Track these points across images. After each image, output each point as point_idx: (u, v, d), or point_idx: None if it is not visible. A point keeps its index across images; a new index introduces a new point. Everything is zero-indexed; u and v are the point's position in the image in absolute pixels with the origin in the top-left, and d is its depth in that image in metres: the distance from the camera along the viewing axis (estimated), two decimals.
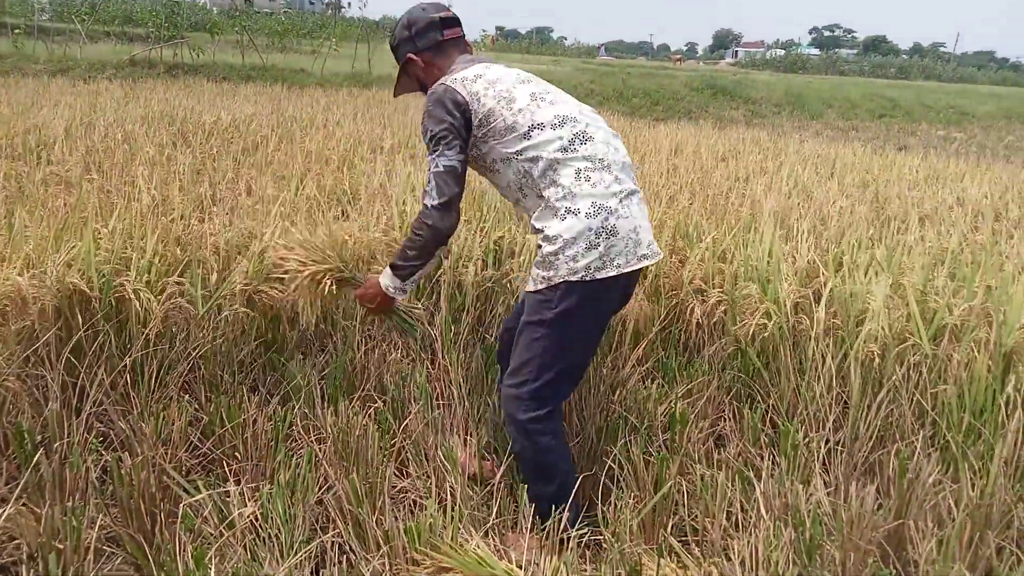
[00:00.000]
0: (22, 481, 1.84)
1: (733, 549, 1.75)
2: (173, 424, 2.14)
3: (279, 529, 1.80)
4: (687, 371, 2.59)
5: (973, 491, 1.81)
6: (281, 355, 2.70)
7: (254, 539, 1.81)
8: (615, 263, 1.80)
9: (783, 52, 56.54)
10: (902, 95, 19.91)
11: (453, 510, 1.86)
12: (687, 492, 2.06)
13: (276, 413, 2.31)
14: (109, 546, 1.85)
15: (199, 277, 2.49)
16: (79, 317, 2.30)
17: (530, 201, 1.90)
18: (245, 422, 2.19)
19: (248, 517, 1.84)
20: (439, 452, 2.18)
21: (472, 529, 1.87)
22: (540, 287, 1.84)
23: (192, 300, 2.47)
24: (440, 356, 2.54)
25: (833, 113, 16.68)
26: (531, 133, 1.85)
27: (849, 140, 10.67)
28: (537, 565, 1.73)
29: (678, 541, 1.86)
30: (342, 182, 3.92)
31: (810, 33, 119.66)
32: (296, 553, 1.76)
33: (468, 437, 2.25)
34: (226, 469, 2.15)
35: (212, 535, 1.82)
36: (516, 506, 2.00)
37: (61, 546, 1.65)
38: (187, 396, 2.38)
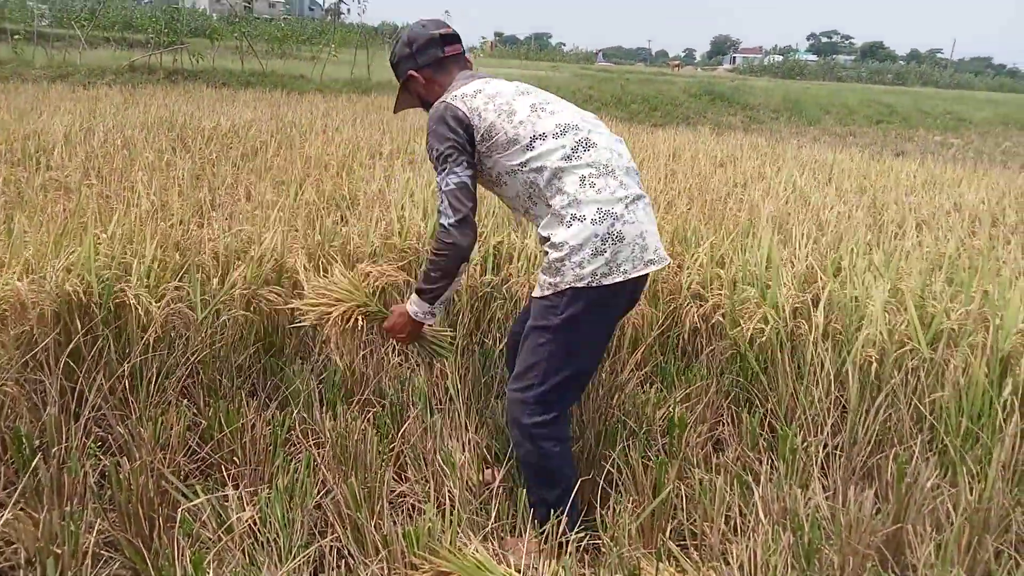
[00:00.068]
0: (20, 486, 1.84)
1: (732, 553, 1.76)
2: (171, 429, 2.14)
3: (277, 533, 1.80)
4: (686, 376, 2.60)
5: (971, 495, 1.81)
6: (280, 360, 2.70)
7: (252, 543, 1.80)
8: (621, 269, 1.80)
9: (781, 58, 56.73)
10: (899, 101, 19.97)
11: (452, 514, 1.86)
12: (686, 496, 2.06)
13: (275, 418, 2.31)
14: (107, 551, 1.85)
15: (198, 282, 2.50)
16: (78, 322, 2.30)
17: (539, 210, 1.90)
18: (244, 427, 2.19)
19: (246, 521, 1.84)
20: (438, 456, 2.18)
21: (471, 533, 1.87)
22: (547, 293, 1.85)
23: (192, 305, 2.47)
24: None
25: (831, 119, 16.73)
26: (534, 144, 1.86)
27: (847, 146, 10.70)
28: (536, 569, 1.73)
29: (677, 545, 1.86)
30: (341, 187, 3.93)
31: (808, 39, 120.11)
32: (295, 557, 1.75)
33: (471, 444, 2.25)
34: (224, 473, 2.15)
35: (210, 540, 1.81)
36: (515, 510, 2.00)
37: (59, 551, 1.65)
38: (185, 401, 2.38)
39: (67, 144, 4.73)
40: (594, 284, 1.79)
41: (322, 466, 2.12)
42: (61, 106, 7.05)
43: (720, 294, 2.80)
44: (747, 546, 1.73)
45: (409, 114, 8.40)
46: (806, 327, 2.54)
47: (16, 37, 14.11)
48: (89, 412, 2.18)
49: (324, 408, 2.39)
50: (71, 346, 2.26)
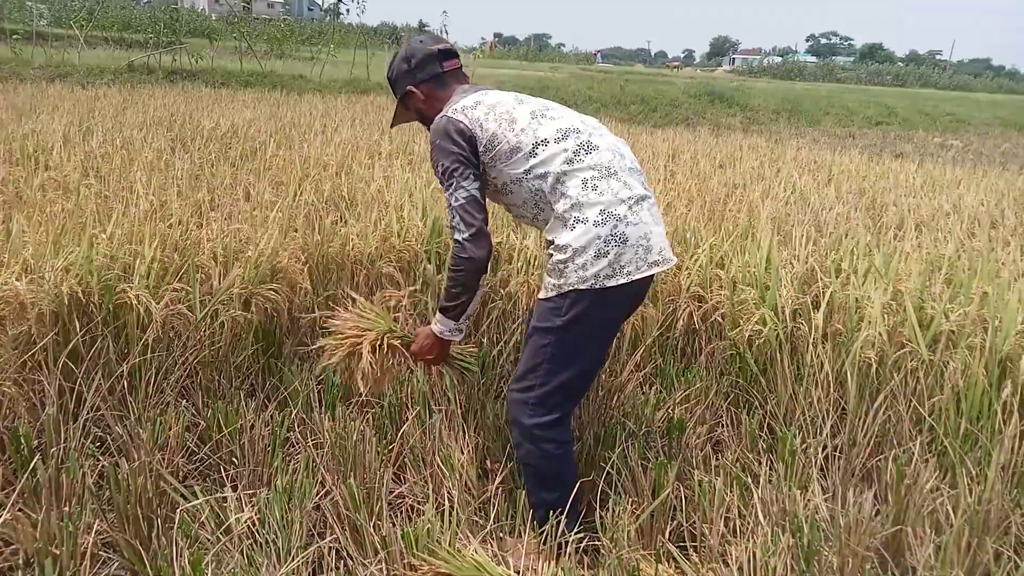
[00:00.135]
0: (18, 486, 1.83)
1: (731, 555, 1.76)
2: (170, 429, 2.14)
3: (276, 534, 1.80)
4: (685, 377, 2.60)
5: (971, 497, 1.81)
6: (278, 360, 2.70)
7: (251, 544, 1.80)
8: (625, 271, 1.80)
9: (780, 59, 56.73)
10: (899, 102, 19.98)
11: (451, 515, 1.86)
12: (685, 498, 2.07)
13: (273, 418, 2.31)
14: (106, 551, 1.85)
15: (198, 282, 2.49)
16: (76, 322, 2.30)
17: (545, 215, 1.91)
18: (242, 427, 2.19)
19: (245, 522, 1.83)
20: (437, 457, 2.18)
21: (470, 534, 1.87)
22: (550, 294, 1.86)
23: (191, 306, 2.47)
24: None
25: (830, 120, 16.73)
26: (536, 150, 1.86)
27: (846, 147, 10.70)
28: (535, 571, 1.73)
29: (676, 547, 1.87)
30: (340, 188, 3.93)
31: (807, 41, 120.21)
32: (293, 558, 1.75)
33: (470, 445, 2.24)
34: (223, 474, 2.15)
35: (209, 540, 1.81)
36: (514, 511, 2.00)
37: (58, 551, 1.65)
38: (184, 401, 2.38)
39: (66, 144, 4.72)
40: (597, 286, 1.79)
41: (321, 467, 2.12)
42: (60, 106, 7.03)
43: (720, 295, 2.80)
44: (746, 547, 1.73)
45: None
46: (805, 328, 2.54)
47: (15, 37, 14.08)
48: (87, 412, 2.18)
49: (323, 409, 2.39)
50: (70, 346, 2.26)
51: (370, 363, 2.09)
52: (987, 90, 38.90)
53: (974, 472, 2.00)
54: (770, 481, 2.00)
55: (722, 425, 2.50)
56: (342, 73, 15.67)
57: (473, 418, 2.37)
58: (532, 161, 1.86)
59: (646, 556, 1.82)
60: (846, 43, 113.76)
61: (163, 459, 2.07)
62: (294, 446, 2.31)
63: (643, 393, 2.54)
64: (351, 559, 1.85)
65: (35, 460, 1.86)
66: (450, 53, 2.07)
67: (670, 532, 1.98)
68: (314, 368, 2.65)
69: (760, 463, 2.17)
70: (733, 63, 71.88)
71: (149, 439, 2.04)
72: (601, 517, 1.94)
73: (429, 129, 2.05)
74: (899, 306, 2.56)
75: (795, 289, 2.71)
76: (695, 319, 2.85)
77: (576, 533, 1.83)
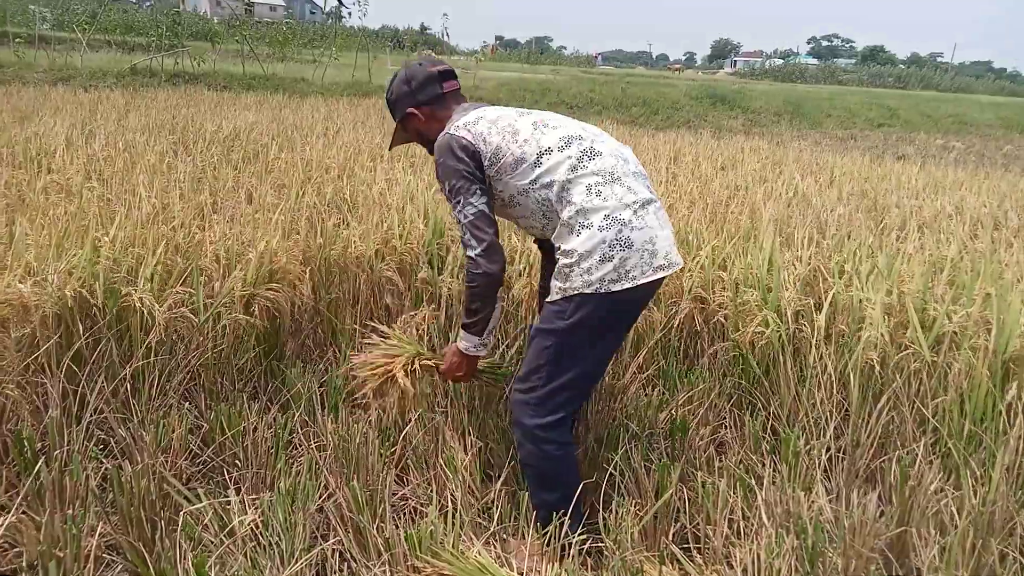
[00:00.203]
0: (22, 489, 1.84)
1: (735, 557, 1.75)
2: (173, 432, 2.14)
3: (280, 537, 1.80)
4: (688, 378, 2.59)
5: (975, 498, 1.80)
6: (281, 363, 2.70)
7: (255, 547, 1.80)
8: (630, 275, 1.80)
9: (781, 62, 56.75)
10: (901, 104, 19.98)
11: (454, 517, 1.86)
12: (688, 499, 2.06)
13: (276, 421, 2.31)
14: (109, 554, 1.84)
15: (201, 285, 2.50)
16: (80, 325, 2.30)
17: (554, 224, 1.92)
18: (245, 430, 2.19)
19: (249, 525, 1.83)
20: (440, 459, 2.18)
21: (473, 536, 1.87)
22: (556, 298, 1.87)
23: (194, 308, 2.47)
24: None
25: (832, 122, 16.73)
26: (540, 160, 1.87)
27: (848, 149, 10.70)
28: (538, 573, 1.73)
29: (680, 548, 1.86)
30: (342, 190, 3.93)
31: (808, 43, 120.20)
32: (297, 561, 1.75)
33: (473, 446, 2.24)
34: (226, 477, 2.15)
35: (213, 543, 1.81)
36: (517, 513, 2.00)
37: (61, 554, 1.65)
38: (187, 404, 2.38)
39: (68, 147, 4.73)
40: (602, 290, 1.80)
41: (324, 469, 2.12)
42: (62, 109, 7.05)
43: (723, 296, 2.80)
44: (750, 549, 1.73)
45: None
46: (808, 330, 2.54)
47: (18, 40, 14.13)
48: (91, 415, 2.18)
49: (326, 411, 2.39)
50: (73, 349, 2.26)
51: (405, 386, 2.11)
52: (989, 92, 38.85)
53: (978, 473, 1.99)
54: (774, 482, 1.99)
55: (725, 426, 2.50)
56: (344, 76, 15.70)
57: (476, 420, 2.37)
58: (537, 171, 1.87)
59: (650, 558, 1.81)
60: (847, 45, 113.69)
61: (166, 462, 2.07)
62: (297, 448, 2.31)
63: (646, 394, 2.54)
64: (354, 561, 1.85)
65: (39, 463, 1.87)
66: (449, 74, 2.10)
67: (674, 534, 1.98)
68: (317, 370, 2.65)
69: (764, 464, 2.17)
70: (734, 65, 71.94)
71: (152, 442, 2.04)
72: (604, 519, 1.94)
73: (429, 150, 2.09)
74: (901, 307, 2.56)
75: (797, 291, 2.70)
76: (697, 321, 2.84)
77: (579, 535, 1.83)
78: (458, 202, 1.89)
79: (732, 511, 1.95)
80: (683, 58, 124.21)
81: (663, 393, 2.58)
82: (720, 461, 2.24)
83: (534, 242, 2.26)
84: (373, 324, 2.39)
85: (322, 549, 1.87)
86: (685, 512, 2.04)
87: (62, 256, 2.45)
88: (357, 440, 2.12)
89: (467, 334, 2.00)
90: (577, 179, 1.85)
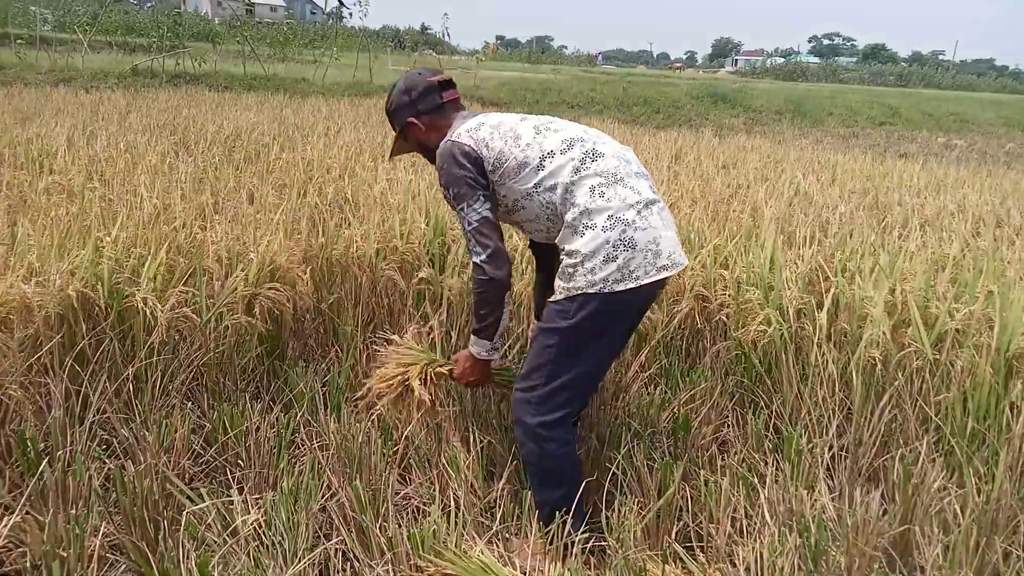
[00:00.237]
0: (26, 490, 1.84)
1: (738, 555, 1.75)
2: (176, 432, 2.14)
3: (283, 536, 1.80)
4: (690, 377, 2.59)
5: (979, 496, 1.80)
6: (283, 362, 2.70)
7: (258, 546, 1.80)
8: (634, 275, 1.80)
9: (783, 60, 56.74)
10: (902, 103, 19.96)
11: (457, 516, 1.86)
12: (691, 498, 2.06)
13: (279, 420, 2.32)
14: (113, 554, 1.85)
15: (203, 284, 2.50)
16: (83, 325, 2.30)
17: (558, 227, 1.92)
18: (248, 429, 2.19)
19: (251, 524, 1.84)
20: (442, 458, 2.18)
21: (476, 535, 1.87)
22: (559, 297, 1.88)
23: (197, 309, 2.47)
24: None
25: (834, 120, 16.71)
26: (544, 163, 1.88)
27: (850, 147, 10.69)
28: (541, 571, 1.73)
29: (683, 547, 1.86)
30: (344, 190, 3.93)
31: (809, 41, 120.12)
32: (300, 560, 1.75)
33: (476, 445, 2.24)
34: (229, 476, 2.15)
35: (216, 543, 1.81)
36: (520, 512, 2.00)
37: (65, 554, 1.65)
38: (190, 404, 2.39)
39: (70, 148, 4.73)
40: (605, 290, 1.80)
41: (327, 469, 2.12)
42: (64, 110, 7.06)
43: (724, 295, 2.80)
44: (753, 547, 1.73)
45: None
46: (810, 328, 2.54)
47: (19, 42, 14.15)
48: (94, 415, 2.18)
49: (328, 410, 2.39)
50: (76, 350, 2.27)
51: (421, 393, 2.12)
52: (991, 90, 38.83)
53: (982, 471, 1.99)
54: (776, 481, 1.99)
55: (728, 425, 2.50)
56: (345, 76, 15.70)
57: (478, 419, 2.37)
58: (541, 174, 1.88)
59: (653, 556, 1.81)
60: (849, 44, 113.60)
61: (169, 461, 2.07)
62: (300, 448, 2.32)
63: (648, 393, 2.54)
64: (357, 561, 1.85)
65: (42, 464, 1.87)
66: (449, 84, 2.11)
67: (676, 532, 1.98)
68: (319, 370, 2.65)
69: (766, 463, 2.17)
70: (736, 64, 71.90)
71: (155, 442, 2.04)
72: (607, 517, 1.94)
73: (429, 159, 2.10)
74: (904, 305, 2.56)
75: (799, 289, 2.70)
76: (699, 320, 2.84)
77: (582, 533, 1.83)
78: (462, 209, 1.90)
79: (735, 509, 1.95)
80: (684, 57, 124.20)
81: (665, 392, 2.58)
82: (723, 460, 2.24)
83: (529, 246, 2.26)
84: (385, 336, 2.42)
85: (325, 549, 1.87)
86: (688, 511, 2.04)
87: (64, 257, 2.45)
88: (359, 439, 2.12)
89: (478, 339, 2.01)
90: (580, 181, 1.85)
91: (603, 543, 1.90)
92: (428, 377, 2.16)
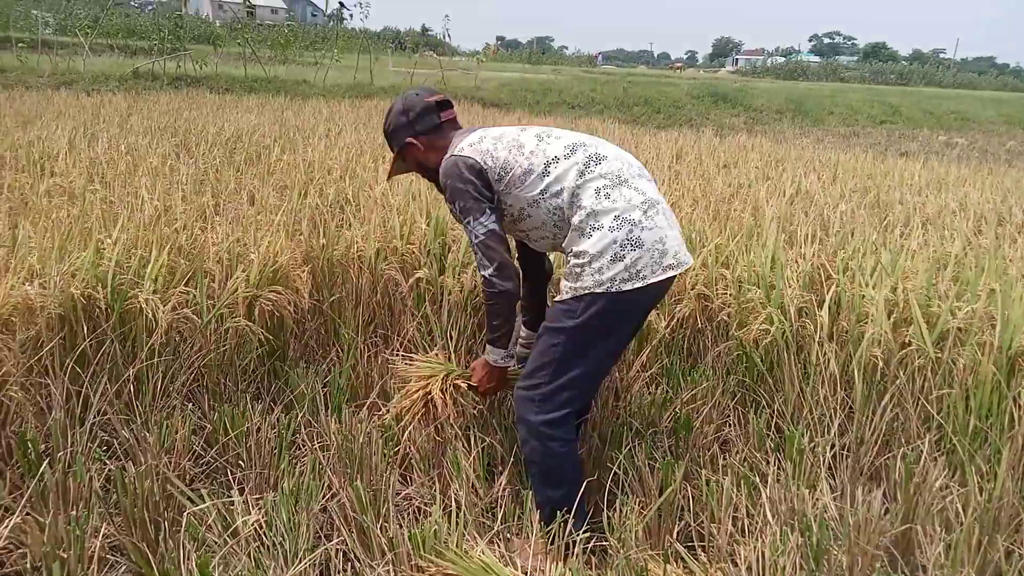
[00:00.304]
0: (26, 491, 1.84)
1: (739, 555, 1.75)
2: (176, 433, 2.14)
3: (283, 537, 1.79)
4: (691, 376, 2.59)
5: (981, 495, 1.80)
6: (284, 363, 2.70)
7: (258, 547, 1.80)
8: (641, 275, 1.82)
9: (783, 59, 56.70)
10: (903, 101, 19.94)
11: (458, 516, 1.86)
12: (693, 498, 2.06)
13: (280, 421, 2.31)
14: (113, 555, 1.85)
15: (204, 286, 2.50)
16: (84, 327, 2.30)
17: (565, 233, 1.94)
18: (248, 430, 2.19)
19: (252, 525, 1.83)
20: (444, 459, 2.18)
21: (477, 535, 1.86)
22: (566, 297, 1.89)
23: (198, 310, 2.47)
24: None
25: (834, 120, 16.70)
26: (548, 169, 1.91)
27: (851, 146, 10.67)
28: (542, 571, 1.73)
29: (684, 547, 1.86)
30: (344, 191, 3.93)
31: (810, 40, 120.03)
32: (301, 561, 1.75)
33: (477, 446, 2.24)
34: (230, 477, 2.15)
35: (216, 543, 1.81)
36: (521, 512, 1.99)
37: (65, 555, 1.65)
38: (190, 405, 2.39)
39: (71, 150, 4.73)
40: (613, 289, 1.81)
41: (327, 469, 2.12)
42: (65, 112, 7.06)
43: (725, 294, 2.80)
44: (755, 547, 1.72)
45: None
46: (811, 327, 2.53)
47: (20, 45, 14.17)
48: (94, 416, 2.18)
49: (329, 411, 2.39)
50: (77, 351, 2.27)
51: (441, 405, 2.17)
52: (991, 88, 38.78)
53: (984, 470, 1.98)
54: (778, 480, 1.99)
55: (729, 424, 2.49)
56: (346, 78, 15.71)
57: (479, 419, 2.37)
58: (546, 180, 1.91)
59: (654, 556, 1.81)
60: (849, 42, 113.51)
61: (170, 462, 2.07)
62: (300, 448, 2.31)
63: (650, 392, 2.54)
64: (358, 561, 1.85)
65: (43, 465, 1.87)
66: (446, 104, 2.13)
67: (678, 532, 1.97)
68: (320, 371, 2.65)
69: (768, 462, 2.16)
70: (736, 64, 71.87)
71: (156, 443, 2.04)
72: (608, 517, 1.94)
73: (427, 179, 2.14)
74: (905, 304, 2.55)
75: (801, 288, 2.70)
76: (700, 319, 2.84)
77: (583, 533, 1.83)
78: (468, 222, 1.93)
79: (736, 509, 1.94)
80: (684, 57, 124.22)
81: (667, 391, 2.58)
82: (724, 459, 2.23)
83: (517, 258, 2.29)
84: (406, 355, 2.47)
85: (326, 549, 1.87)
86: (689, 510, 2.04)
87: (65, 259, 2.45)
88: (360, 440, 2.12)
89: (493, 348, 2.05)
90: (586, 183, 1.88)
91: (604, 543, 1.90)
92: (448, 387, 2.20)
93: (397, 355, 2.70)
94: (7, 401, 2.09)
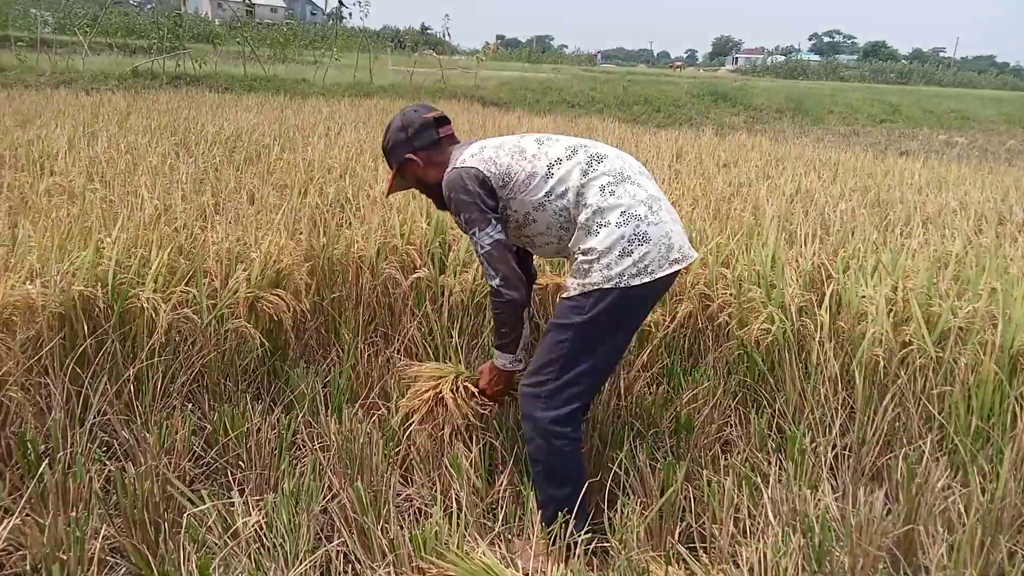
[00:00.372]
0: (26, 492, 1.83)
1: (741, 556, 1.74)
2: (176, 433, 2.14)
3: (284, 538, 1.79)
4: (692, 376, 2.58)
5: (983, 495, 1.79)
6: (284, 363, 2.69)
7: (259, 548, 1.80)
8: (648, 270, 1.84)
9: (783, 58, 56.69)
10: (903, 100, 19.93)
11: (459, 517, 1.85)
12: (694, 498, 2.05)
13: (280, 422, 2.31)
14: (113, 557, 1.84)
15: (204, 286, 2.49)
16: (84, 326, 2.30)
17: (571, 234, 1.96)
18: (249, 431, 2.19)
19: (252, 526, 1.83)
20: (444, 459, 2.17)
21: (478, 536, 1.86)
22: (573, 294, 1.90)
23: (198, 310, 2.46)
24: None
25: (835, 118, 16.69)
26: (551, 171, 1.93)
27: (850, 145, 10.66)
28: (544, 573, 1.72)
29: (686, 548, 1.85)
30: (344, 190, 3.92)
31: (810, 39, 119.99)
32: (301, 562, 1.75)
33: (477, 446, 2.24)
34: (230, 478, 2.15)
35: (216, 545, 1.81)
36: (522, 513, 1.99)
37: (65, 557, 1.64)
38: (190, 405, 2.38)
39: (70, 149, 4.73)
40: (621, 285, 1.83)
41: (328, 470, 2.11)
42: (64, 111, 7.05)
43: (726, 293, 2.79)
44: (757, 548, 1.72)
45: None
46: (812, 327, 2.52)
47: (20, 44, 14.16)
48: (94, 417, 2.18)
49: (329, 411, 2.38)
50: (77, 351, 2.26)
51: (452, 406, 2.18)
52: (991, 87, 38.77)
53: (986, 470, 1.98)
54: (780, 481, 1.99)
55: (730, 424, 2.49)
56: (345, 77, 15.70)
57: (480, 419, 2.36)
58: (551, 182, 1.93)
59: (656, 557, 1.80)
60: (849, 41, 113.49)
61: (170, 463, 2.07)
62: (301, 449, 2.31)
63: (651, 393, 2.53)
64: (359, 562, 1.85)
65: (42, 465, 1.86)
66: (444, 119, 2.15)
67: (679, 533, 1.97)
68: (320, 371, 2.65)
69: (769, 463, 2.16)
70: (736, 63, 71.87)
71: (156, 443, 2.04)
72: (610, 518, 1.93)
73: (427, 194, 2.17)
74: (906, 303, 2.54)
75: (801, 287, 2.69)
76: (701, 319, 2.83)
77: (584, 534, 1.82)
78: (474, 234, 1.95)
79: (738, 510, 1.94)
80: (684, 56, 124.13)
81: (668, 391, 2.57)
82: (725, 459, 2.23)
83: None
84: (414, 364, 2.48)
85: (326, 550, 1.86)
86: (691, 511, 2.04)
87: (65, 258, 2.44)
88: (361, 440, 2.11)
89: (501, 353, 2.07)
90: (590, 182, 1.90)
91: (606, 544, 1.90)
92: (458, 389, 2.21)
93: (399, 356, 2.69)
94: (7, 401, 2.09)
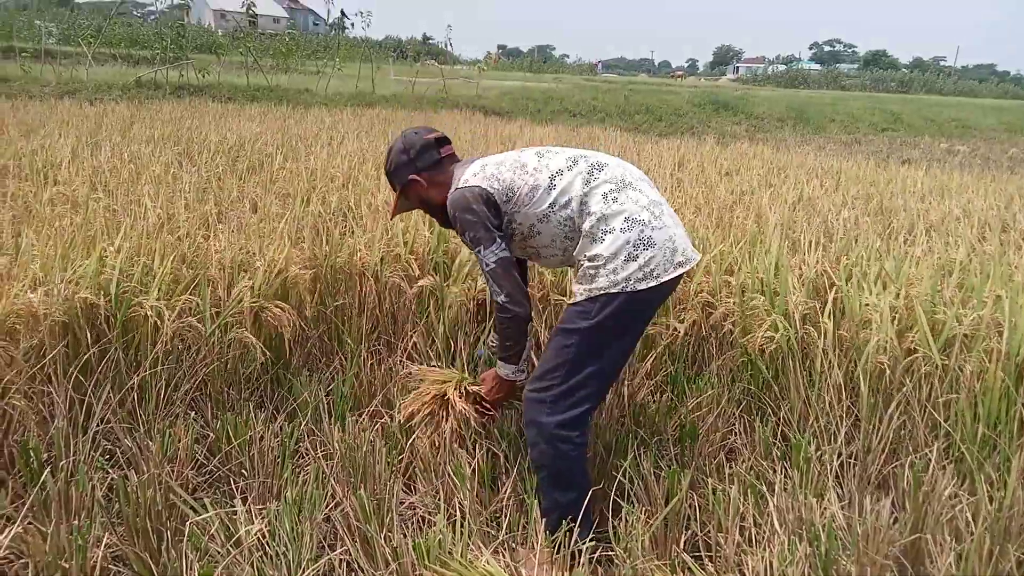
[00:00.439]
0: (28, 500, 1.83)
1: (747, 565, 1.73)
2: (179, 441, 2.13)
3: (287, 547, 1.78)
4: (696, 384, 2.57)
5: (991, 504, 1.78)
6: (287, 371, 2.69)
7: (261, 557, 1.79)
8: (654, 273, 1.85)
9: (784, 67, 56.86)
10: (904, 109, 19.97)
11: (462, 526, 1.84)
12: (699, 507, 2.04)
13: (283, 430, 2.30)
14: (115, 565, 1.83)
15: (208, 295, 2.49)
16: (87, 335, 2.30)
17: (576, 243, 1.98)
18: (252, 439, 2.18)
19: (255, 535, 1.82)
20: (447, 467, 2.16)
21: (482, 545, 1.85)
22: (580, 299, 1.91)
23: (202, 319, 2.46)
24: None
25: (836, 127, 16.72)
26: (554, 182, 1.95)
27: (852, 154, 10.68)
28: None
29: (691, 556, 1.84)
30: (347, 199, 3.93)
31: (810, 48, 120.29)
32: (304, 571, 1.74)
33: (480, 454, 2.23)
34: (233, 486, 2.14)
35: (219, 553, 1.80)
36: (526, 522, 1.98)
37: (67, 565, 1.64)
38: (193, 413, 2.37)
39: (74, 159, 4.74)
40: (628, 289, 1.84)
41: (331, 478, 2.10)
42: (68, 121, 7.08)
43: (729, 301, 2.78)
44: (763, 557, 1.71)
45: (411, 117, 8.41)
46: (816, 334, 2.52)
47: (24, 55, 14.26)
48: (97, 425, 2.17)
49: (332, 420, 2.38)
50: (81, 359, 2.26)
51: (459, 407, 2.20)
52: (992, 95, 38.85)
53: (994, 478, 1.97)
54: (785, 489, 1.97)
55: (735, 432, 2.48)
56: (347, 86, 15.77)
57: (482, 427, 2.35)
58: (554, 193, 1.95)
59: (661, 566, 1.79)
60: (850, 50, 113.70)
61: (172, 471, 2.06)
62: (303, 457, 2.30)
63: (655, 400, 2.52)
64: (362, 571, 1.84)
65: (45, 473, 1.86)
66: (445, 140, 2.17)
67: (684, 541, 1.96)
68: (323, 379, 2.64)
69: (775, 471, 2.14)
70: (737, 72, 72.11)
71: (158, 451, 2.03)
72: (614, 527, 1.92)
73: (431, 214, 2.20)
74: (910, 311, 2.54)
75: (805, 295, 2.68)
76: (704, 326, 2.82)
77: (589, 542, 1.81)
78: (479, 251, 1.97)
79: (743, 518, 1.93)
80: (685, 65, 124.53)
81: (672, 399, 2.56)
82: (730, 467, 2.21)
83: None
84: (419, 368, 2.50)
85: (329, 559, 1.85)
86: (696, 520, 2.02)
87: (69, 267, 2.45)
88: (364, 448, 2.10)
89: (504, 364, 2.09)
90: (592, 190, 1.92)
91: (610, 552, 1.88)
92: (462, 392, 2.23)
93: (402, 364, 2.69)
94: (10, 409, 2.09)
